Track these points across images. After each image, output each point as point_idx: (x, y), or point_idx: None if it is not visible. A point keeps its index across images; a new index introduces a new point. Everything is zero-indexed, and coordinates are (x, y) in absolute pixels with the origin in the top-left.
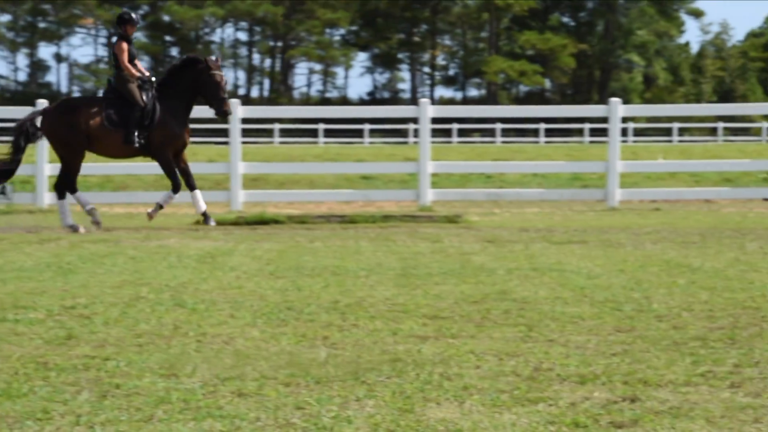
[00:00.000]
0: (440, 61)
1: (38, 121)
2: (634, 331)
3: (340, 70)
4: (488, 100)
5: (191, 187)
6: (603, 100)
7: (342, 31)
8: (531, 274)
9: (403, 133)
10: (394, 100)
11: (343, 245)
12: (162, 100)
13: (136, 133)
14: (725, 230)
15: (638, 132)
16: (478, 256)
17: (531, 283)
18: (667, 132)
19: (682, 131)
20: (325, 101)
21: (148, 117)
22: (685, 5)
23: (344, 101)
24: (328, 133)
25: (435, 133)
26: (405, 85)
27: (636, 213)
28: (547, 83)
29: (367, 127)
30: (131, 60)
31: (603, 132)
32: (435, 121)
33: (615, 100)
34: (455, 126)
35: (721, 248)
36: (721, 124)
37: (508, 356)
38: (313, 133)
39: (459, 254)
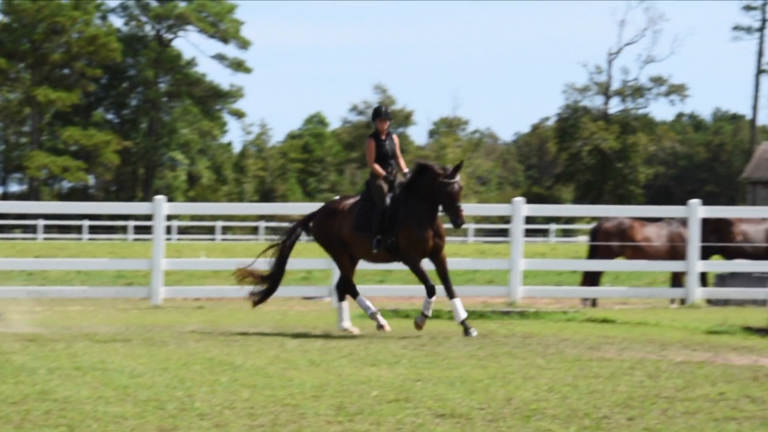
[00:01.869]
0: None
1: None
2: (177, 430)
3: None
4: (30, 195)
5: (450, 295)
6: (147, 198)
7: None
8: (73, 373)
9: None
10: None
11: None
12: (406, 201)
13: (378, 238)
14: (264, 328)
15: (182, 230)
16: (18, 355)
17: (73, 383)
18: (211, 230)
19: (225, 229)
20: None
21: (390, 220)
22: (228, 106)
23: None
24: None
25: None
26: None
27: (180, 311)
28: (91, 179)
29: None
30: (385, 156)
31: (148, 229)
32: None
33: (159, 198)
34: None
35: (262, 346)
36: (262, 223)
37: None
38: None
39: None
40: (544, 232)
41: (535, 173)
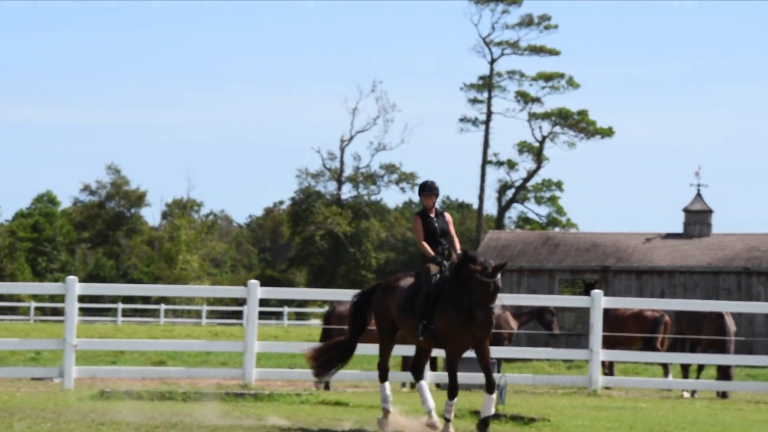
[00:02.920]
0: None
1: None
2: None
3: None
4: None
5: (488, 389)
6: None
7: None
8: None
9: None
10: None
11: None
12: (452, 286)
13: (423, 323)
14: None
15: None
16: None
17: None
18: None
19: None
20: None
21: (433, 305)
22: None
23: None
24: None
25: None
26: None
27: None
28: None
29: None
30: (433, 234)
31: None
32: None
33: None
34: None
35: None
36: None
37: None
38: None
39: None
40: (278, 315)
41: (269, 256)
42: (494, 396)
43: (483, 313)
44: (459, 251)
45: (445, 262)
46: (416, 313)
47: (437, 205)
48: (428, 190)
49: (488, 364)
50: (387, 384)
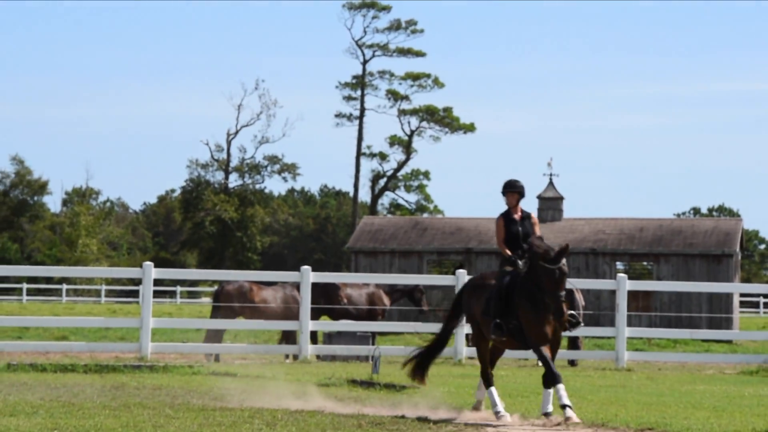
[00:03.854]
0: None
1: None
2: None
3: None
4: None
5: (545, 383)
6: None
7: None
8: None
9: None
10: None
11: None
12: (523, 279)
13: (496, 322)
14: None
15: None
16: None
17: None
18: None
19: None
20: None
21: (506, 303)
22: None
23: None
24: None
25: None
26: None
27: None
28: None
29: None
30: (515, 237)
31: None
32: None
33: None
34: None
35: None
36: None
37: None
38: None
39: None
40: (171, 294)
41: (162, 240)
42: (551, 391)
43: (552, 301)
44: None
45: (519, 262)
46: (491, 314)
47: (527, 209)
48: (509, 187)
49: (553, 355)
50: (493, 388)
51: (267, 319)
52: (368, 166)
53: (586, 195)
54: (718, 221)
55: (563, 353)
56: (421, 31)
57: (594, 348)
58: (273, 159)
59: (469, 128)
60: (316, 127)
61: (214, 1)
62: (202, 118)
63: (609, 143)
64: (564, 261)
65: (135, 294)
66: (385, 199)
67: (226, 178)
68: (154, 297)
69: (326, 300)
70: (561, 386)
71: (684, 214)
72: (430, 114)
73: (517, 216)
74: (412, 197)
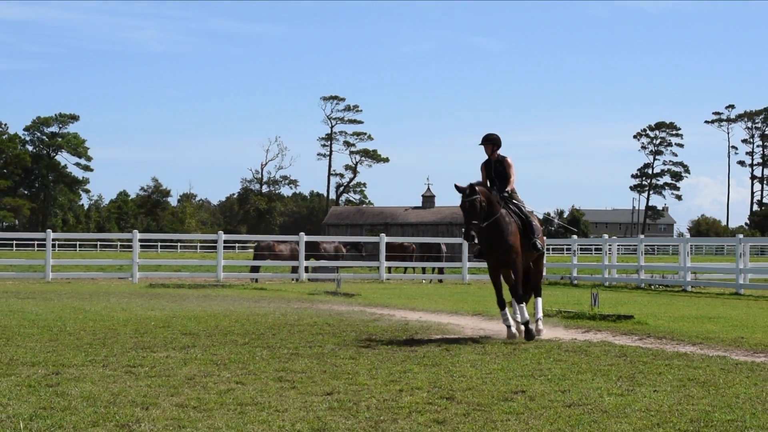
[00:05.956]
0: None
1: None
2: None
3: None
4: None
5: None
6: None
7: None
8: None
9: None
10: None
11: None
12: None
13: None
14: None
15: None
16: None
17: None
18: None
19: None
20: None
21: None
22: None
23: None
24: None
25: None
26: None
27: None
28: None
29: None
30: (492, 178)
31: None
32: None
33: None
34: None
35: None
36: None
37: None
38: None
39: None
40: (233, 248)
41: (228, 220)
42: (524, 305)
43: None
44: (506, 190)
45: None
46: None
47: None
48: (485, 140)
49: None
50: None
51: (282, 260)
52: (334, 180)
53: (450, 194)
54: None
55: (434, 276)
56: (361, 110)
57: (450, 273)
58: (284, 177)
59: (386, 160)
60: (307, 159)
61: (245, 90)
62: (248, 155)
63: (472, 157)
64: (475, 196)
65: (214, 248)
66: (343, 198)
67: (261, 187)
68: (224, 249)
69: (313, 250)
70: (520, 305)
71: None
72: (365, 153)
73: (493, 159)
74: (357, 196)
